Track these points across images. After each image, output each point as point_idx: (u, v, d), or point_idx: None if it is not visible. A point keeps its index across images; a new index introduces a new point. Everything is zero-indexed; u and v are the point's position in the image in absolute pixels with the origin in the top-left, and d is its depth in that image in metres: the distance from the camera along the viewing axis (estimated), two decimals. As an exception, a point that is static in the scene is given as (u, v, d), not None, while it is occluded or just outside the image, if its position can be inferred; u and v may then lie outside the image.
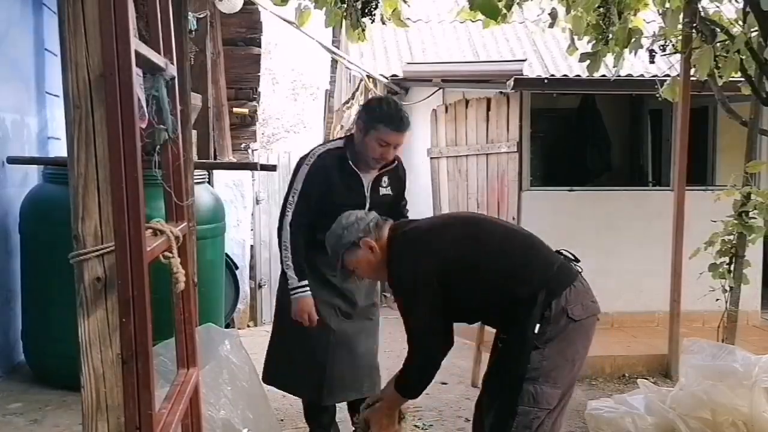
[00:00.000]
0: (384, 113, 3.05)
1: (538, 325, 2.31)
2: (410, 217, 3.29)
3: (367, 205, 3.14)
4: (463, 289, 2.44)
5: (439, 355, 2.49)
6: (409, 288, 2.46)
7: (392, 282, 2.55)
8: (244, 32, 7.36)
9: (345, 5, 4.39)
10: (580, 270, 2.50)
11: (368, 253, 2.53)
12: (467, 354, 4.60)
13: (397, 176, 3.35)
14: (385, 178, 3.26)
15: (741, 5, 4.27)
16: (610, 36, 4.63)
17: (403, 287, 2.50)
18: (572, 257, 2.54)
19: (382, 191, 3.26)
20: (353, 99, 10.44)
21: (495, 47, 8.22)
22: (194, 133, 5.09)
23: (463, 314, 2.57)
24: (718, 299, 4.19)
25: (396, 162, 3.29)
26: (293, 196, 3.13)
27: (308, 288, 3.16)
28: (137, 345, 1.41)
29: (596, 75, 5.44)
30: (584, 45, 4.97)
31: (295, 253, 3.14)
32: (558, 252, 2.54)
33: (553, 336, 2.32)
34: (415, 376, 2.51)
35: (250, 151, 8.33)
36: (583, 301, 2.40)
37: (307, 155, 3.22)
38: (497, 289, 2.43)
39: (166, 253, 1.67)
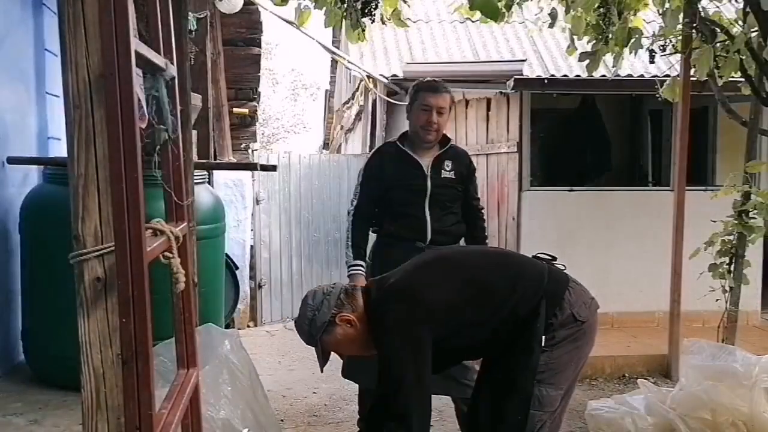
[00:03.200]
0: (422, 83, 3.39)
1: (544, 338, 2.28)
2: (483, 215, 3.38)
3: (429, 188, 3.26)
4: (467, 328, 2.31)
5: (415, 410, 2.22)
6: (396, 342, 2.23)
7: (378, 347, 2.30)
8: (244, 32, 7.35)
9: (345, 5, 4.39)
10: (564, 268, 2.48)
11: (347, 329, 2.30)
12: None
13: (458, 159, 3.41)
14: (448, 162, 3.34)
15: (741, 5, 4.27)
16: (610, 36, 4.63)
17: (389, 342, 2.25)
18: (551, 257, 2.50)
19: (444, 174, 3.34)
20: (353, 99, 10.43)
21: (495, 47, 8.22)
22: (194, 133, 5.09)
23: (471, 349, 2.43)
24: (718, 299, 4.19)
25: (450, 143, 3.41)
26: (356, 188, 3.41)
27: (362, 267, 3.29)
28: (137, 345, 1.41)
29: (596, 75, 5.45)
30: (584, 45, 4.97)
31: (355, 235, 3.35)
32: (536, 257, 2.51)
33: (561, 339, 2.30)
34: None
35: (250, 151, 8.32)
36: (584, 300, 2.40)
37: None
38: (498, 316, 2.31)
39: (166, 254, 1.67)
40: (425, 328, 2.25)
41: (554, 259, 2.50)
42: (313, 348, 2.37)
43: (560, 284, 2.38)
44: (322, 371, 2.42)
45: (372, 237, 3.48)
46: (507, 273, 2.41)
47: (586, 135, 7.79)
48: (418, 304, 2.28)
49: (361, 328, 2.31)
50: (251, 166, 6.74)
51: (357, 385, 3.49)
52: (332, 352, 2.40)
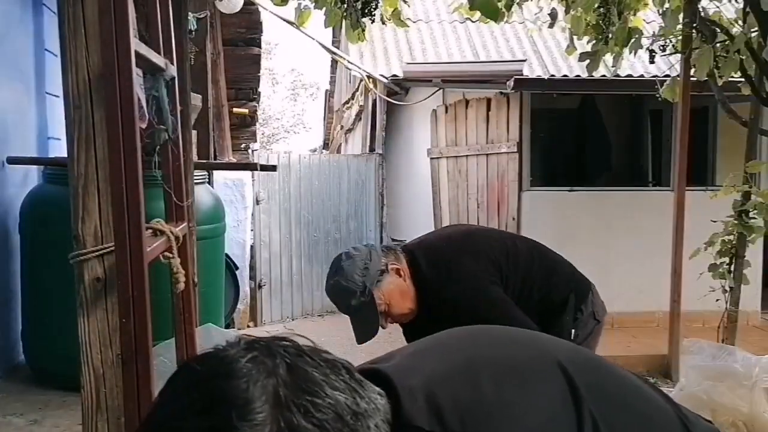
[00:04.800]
0: None
1: (573, 330, 2.30)
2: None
3: None
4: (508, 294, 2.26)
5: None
6: (483, 301, 2.13)
7: (452, 300, 2.14)
8: (244, 32, 7.35)
9: (345, 5, 4.39)
10: None
11: (398, 279, 2.16)
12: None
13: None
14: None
15: (741, 5, 4.27)
16: (610, 36, 4.63)
17: (471, 297, 2.14)
18: None
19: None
20: (353, 99, 10.44)
21: (495, 47, 8.22)
22: (194, 133, 5.09)
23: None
24: (718, 299, 4.19)
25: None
26: None
27: None
28: (137, 345, 1.41)
29: (596, 75, 5.44)
30: (583, 45, 4.97)
31: None
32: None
33: (582, 339, 2.34)
34: None
35: (250, 151, 8.32)
36: (600, 302, 2.47)
37: None
38: (533, 296, 2.29)
39: (166, 254, 1.67)
40: (495, 280, 2.18)
41: None
42: (355, 318, 2.15)
43: (586, 284, 2.43)
44: (360, 343, 2.18)
45: None
46: (544, 260, 2.41)
47: (586, 135, 7.79)
48: (481, 257, 2.21)
49: (409, 282, 2.17)
50: (251, 166, 6.74)
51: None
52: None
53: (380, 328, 2.22)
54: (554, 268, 2.40)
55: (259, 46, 7.68)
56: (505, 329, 1.15)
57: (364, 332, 2.17)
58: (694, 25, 4.39)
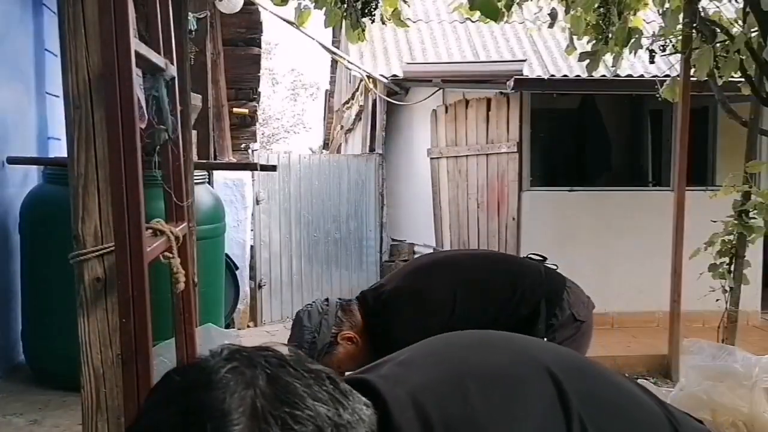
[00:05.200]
0: None
1: (545, 339, 2.26)
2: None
3: None
4: (470, 325, 2.28)
5: None
6: (416, 334, 2.19)
7: (393, 340, 2.23)
8: (244, 32, 7.35)
9: (345, 5, 4.39)
10: (555, 267, 2.46)
11: (349, 346, 2.20)
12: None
13: None
14: None
15: (741, 5, 4.27)
16: (610, 36, 4.63)
17: (408, 337, 2.20)
18: (541, 258, 2.49)
19: None
20: (353, 99, 10.44)
21: (495, 47, 8.22)
22: (194, 133, 5.08)
23: None
24: (718, 299, 4.19)
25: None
26: None
27: None
28: (137, 345, 1.41)
29: (596, 75, 5.44)
30: (583, 45, 4.97)
31: None
32: (527, 258, 2.50)
33: (562, 340, 2.28)
34: None
35: (250, 151, 8.33)
36: (582, 300, 2.39)
37: None
38: (499, 316, 2.26)
39: (166, 254, 1.67)
40: (435, 326, 2.19)
41: (545, 259, 2.49)
42: None
43: (558, 284, 2.37)
44: None
45: None
46: (504, 273, 2.38)
47: (586, 135, 7.79)
48: (424, 304, 2.23)
49: (362, 343, 2.23)
50: (251, 166, 6.74)
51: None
52: None
53: None
54: (517, 279, 2.33)
55: (259, 46, 7.68)
56: (494, 334, 1.14)
57: None
58: (694, 25, 4.39)
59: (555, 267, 2.47)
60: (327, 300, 2.29)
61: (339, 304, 2.25)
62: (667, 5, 4.46)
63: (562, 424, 0.91)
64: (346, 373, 0.96)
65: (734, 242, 4.20)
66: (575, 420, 0.91)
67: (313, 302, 2.29)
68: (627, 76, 6.34)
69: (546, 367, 0.96)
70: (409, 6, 4.88)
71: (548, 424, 0.91)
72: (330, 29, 5.32)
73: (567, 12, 4.78)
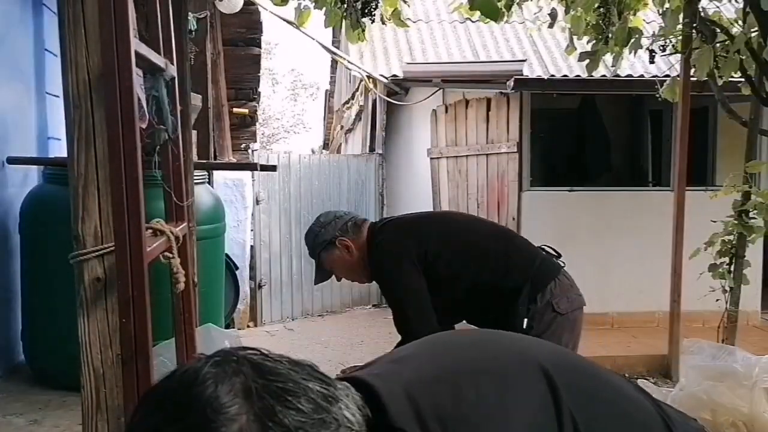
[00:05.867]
0: None
1: (526, 320, 2.30)
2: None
3: None
4: (447, 276, 2.41)
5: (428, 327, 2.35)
6: (394, 272, 2.41)
7: (375, 272, 2.50)
8: (244, 32, 7.35)
9: (345, 5, 4.39)
10: (563, 265, 2.51)
11: (344, 253, 2.50)
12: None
13: None
14: None
15: (741, 5, 4.27)
16: (610, 36, 4.63)
17: (386, 273, 2.45)
18: (555, 253, 2.55)
19: None
20: (353, 99, 10.44)
21: (495, 47, 8.22)
22: (194, 133, 5.08)
23: (447, 310, 2.49)
24: (718, 299, 4.19)
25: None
26: None
27: None
28: (137, 345, 1.41)
29: (596, 75, 5.44)
30: (583, 45, 4.97)
31: None
32: (540, 248, 2.56)
33: (539, 333, 2.31)
34: None
35: (250, 151, 8.32)
36: (568, 295, 2.42)
37: None
38: (481, 279, 2.40)
39: (166, 254, 1.67)
40: (413, 261, 2.39)
41: (559, 255, 2.53)
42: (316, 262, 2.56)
43: (549, 273, 2.43)
44: (315, 284, 2.72)
45: None
46: (500, 245, 2.50)
47: (586, 135, 7.78)
48: (415, 238, 2.43)
49: (357, 256, 2.49)
50: (251, 166, 6.74)
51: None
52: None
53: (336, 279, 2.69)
54: (514, 253, 2.47)
55: (259, 46, 7.68)
56: (488, 332, 1.16)
57: (318, 277, 2.66)
58: (694, 25, 4.39)
59: (563, 264, 2.49)
60: (349, 212, 2.64)
61: (353, 218, 2.56)
62: (667, 5, 4.46)
63: (553, 420, 0.92)
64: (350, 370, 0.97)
65: (734, 242, 4.20)
66: (566, 416, 0.92)
67: (339, 210, 2.66)
68: (627, 76, 6.34)
69: (539, 363, 0.97)
70: (409, 6, 4.88)
71: (539, 420, 0.91)
72: (330, 29, 5.32)
73: (567, 12, 4.78)
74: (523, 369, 0.97)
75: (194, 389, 0.71)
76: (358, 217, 2.58)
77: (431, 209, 7.45)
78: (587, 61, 4.86)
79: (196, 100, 5.15)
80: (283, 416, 0.70)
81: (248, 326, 7.01)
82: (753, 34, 3.96)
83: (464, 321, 2.62)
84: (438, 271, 2.40)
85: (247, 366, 0.73)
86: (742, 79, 4.27)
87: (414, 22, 8.24)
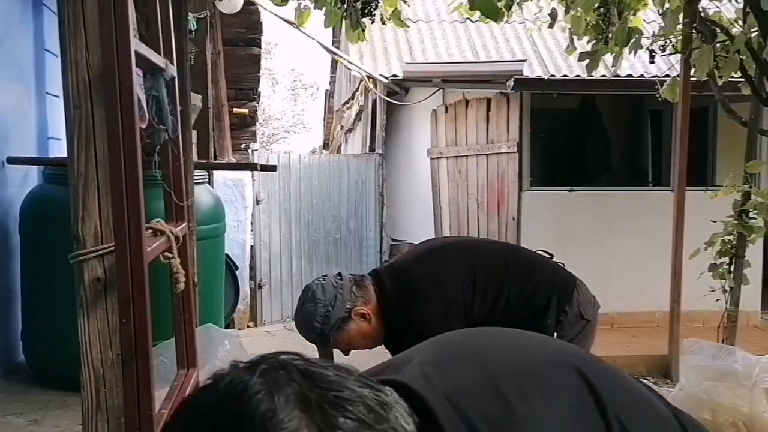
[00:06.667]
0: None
1: (555, 334, 2.25)
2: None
3: None
4: (485, 311, 2.24)
5: None
6: (437, 328, 2.18)
7: (409, 334, 2.09)
8: (244, 32, 7.35)
9: (345, 5, 4.39)
10: (563, 265, 2.48)
11: (362, 323, 2.17)
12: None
13: None
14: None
15: (741, 5, 4.27)
16: (610, 36, 4.63)
17: (429, 332, 2.18)
18: (549, 254, 2.50)
19: None
20: (353, 99, 10.44)
21: (495, 47, 8.22)
22: (194, 133, 5.08)
23: None
24: (718, 299, 4.19)
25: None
26: None
27: None
28: (137, 345, 1.41)
29: (596, 75, 5.44)
30: (583, 45, 4.97)
31: None
32: (538, 253, 2.51)
33: (570, 339, 2.29)
34: None
35: (250, 151, 8.32)
36: (589, 299, 2.40)
37: None
38: (515, 303, 2.27)
39: (166, 254, 1.67)
40: (455, 315, 2.18)
41: (552, 256, 2.50)
42: (316, 346, 2.21)
43: (569, 281, 2.38)
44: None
45: None
46: (521, 263, 2.39)
47: (586, 135, 7.78)
48: (446, 293, 2.21)
49: (375, 321, 2.19)
50: (251, 166, 6.74)
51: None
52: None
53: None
54: (532, 269, 2.34)
55: (259, 46, 7.69)
56: (515, 331, 1.14)
57: (322, 357, 2.18)
58: (694, 25, 4.39)
59: (562, 264, 2.48)
60: (340, 274, 2.26)
61: (353, 280, 2.22)
62: (667, 5, 4.46)
63: (597, 421, 0.91)
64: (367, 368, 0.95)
65: (734, 242, 4.20)
66: (612, 419, 0.91)
67: (326, 276, 2.24)
68: (627, 76, 6.34)
69: (567, 360, 0.97)
70: (409, 6, 4.88)
71: (580, 420, 0.91)
72: (330, 29, 5.32)
73: (567, 12, 4.78)
74: (555, 364, 0.97)
75: (246, 404, 0.64)
76: (355, 276, 2.27)
77: (431, 209, 7.45)
78: (587, 61, 4.86)
79: (196, 100, 5.15)
80: (345, 428, 0.64)
81: (248, 326, 7.01)
82: (753, 34, 3.96)
83: None
84: (472, 314, 2.22)
85: (296, 374, 0.67)
86: (742, 79, 4.27)
87: (414, 22, 8.24)
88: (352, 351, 2.27)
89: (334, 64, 12.27)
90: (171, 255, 1.68)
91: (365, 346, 2.25)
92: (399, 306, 2.20)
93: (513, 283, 2.27)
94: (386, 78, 7.77)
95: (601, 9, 4.58)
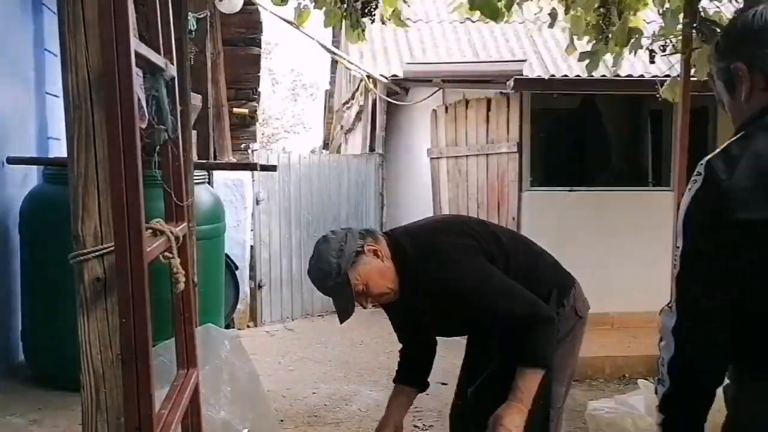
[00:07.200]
0: None
1: None
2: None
3: None
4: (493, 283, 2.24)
5: (545, 309, 2.18)
6: (478, 275, 2.17)
7: (451, 285, 2.16)
8: (244, 32, 7.35)
9: (345, 5, 4.39)
10: None
11: (375, 260, 2.19)
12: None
13: None
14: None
15: (741, 5, 4.27)
16: (610, 36, 4.63)
17: (470, 280, 2.16)
18: None
19: None
20: (353, 99, 10.43)
21: (495, 47, 8.22)
22: (194, 133, 5.09)
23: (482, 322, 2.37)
24: (718, 299, 4.18)
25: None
26: None
27: None
28: (137, 345, 1.41)
29: (596, 75, 5.44)
30: (583, 45, 4.97)
31: None
32: None
33: (564, 335, 2.31)
34: (541, 339, 2.14)
35: (250, 151, 8.32)
36: (583, 297, 2.43)
37: None
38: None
39: (166, 254, 1.67)
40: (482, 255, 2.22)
41: None
42: (333, 298, 2.22)
43: (568, 278, 2.42)
44: (342, 322, 2.21)
45: None
46: (527, 247, 2.45)
47: (586, 135, 7.78)
48: (462, 234, 2.28)
49: (388, 263, 2.21)
50: (251, 166, 6.74)
51: (356, 385, 3.51)
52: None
53: (362, 307, 2.28)
54: (537, 260, 2.40)
55: (259, 46, 7.69)
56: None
57: (343, 311, 2.20)
58: (694, 25, 4.39)
59: None
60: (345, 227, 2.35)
61: (361, 228, 2.31)
62: (667, 5, 4.46)
63: None
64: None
65: (734, 242, 4.20)
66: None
67: (332, 230, 2.31)
68: (627, 76, 6.34)
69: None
70: (409, 6, 4.88)
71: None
72: (330, 29, 5.32)
73: (567, 12, 4.78)
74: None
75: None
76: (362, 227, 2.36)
77: (431, 209, 7.45)
78: (587, 61, 4.86)
79: (196, 100, 5.15)
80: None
81: (248, 326, 7.01)
82: (753, 34, 3.96)
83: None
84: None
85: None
86: (742, 79, 4.27)
87: (414, 22, 8.24)
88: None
89: (334, 64, 12.27)
90: (171, 255, 1.67)
91: (383, 287, 2.22)
92: (419, 257, 2.21)
93: (520, 270, 2.29)
94: (386, 78, 7.77)
95: (601, 9, 4.58)
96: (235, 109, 7.74)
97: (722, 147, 1.39)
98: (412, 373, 2.51)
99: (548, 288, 2.30)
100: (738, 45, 1.43)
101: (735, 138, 1.40)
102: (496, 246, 2.30)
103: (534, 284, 2.26)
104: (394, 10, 4.60)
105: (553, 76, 6.66)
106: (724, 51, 1.48)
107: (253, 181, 7.10)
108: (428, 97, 7.37)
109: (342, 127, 12.37)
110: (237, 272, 6.10)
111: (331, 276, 2.16)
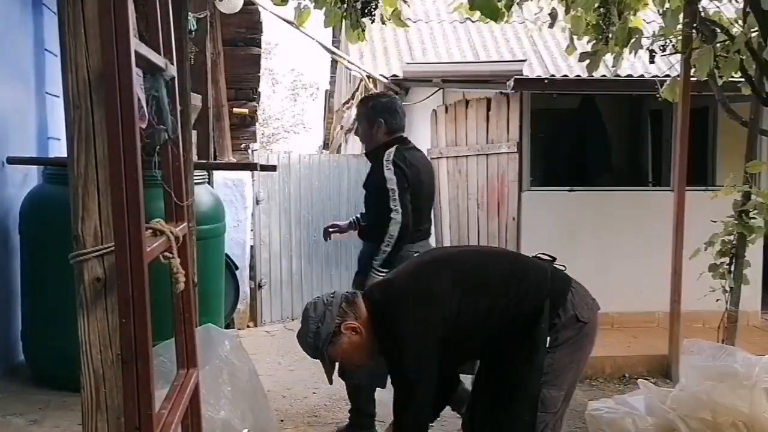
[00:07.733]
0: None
1: (548, 338, 2.28)
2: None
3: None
4: (473, 326, 2.31)
5: (429, 410, 2.36)
6: (414, 344, 2.25)
7: (390, 345, 2.29)
8: (244, 32, 7.36)
9: (345, 5, 4.39)
10: (564, 268, 2.49)
11: (353, 337, 2.30)
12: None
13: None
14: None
15: (741, 5, 4.28)
16: (610, 36, 4.63)
17: (407, 345, 2.26)
18: (551, 258, 2.52)
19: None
20: (353, 99, 10.43)
21: (495, 47, 8.22)
22: (194, 133, 5.09)
23: (471, 351, 2.45)
24: (718, 299, 4.19)
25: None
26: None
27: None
28: (137, 345, 1.41)
29: (596, 75, 5.44)
30: (583, 45, 4.97)
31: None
32: (536, 257, 2.52)
33: (564, 341, 2.31)
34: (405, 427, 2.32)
35: (250, 151, 8.32)
36: (586, 301, 2.40)
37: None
38: (505, 314, 2.31)
39: (166, 254, 1.67)
40: (439, 327, 2.28)
41: (554, 260, 2.51)
42: (319, 361, 2.37)
43: (563, 285, 2.39)
44: (331, 383, 2.43)
45: None
46: (508, 271, 2.42)
47: (586, 135, 7.78)
48: (430, 300, 2.30)
49: (366, 334, 2.31)
50: (251, 166, 6.74)
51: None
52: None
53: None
54: (524, 274, 2.39)
55: (259, 46, 7.69)
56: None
57: (330, 373, 2.42)
58: (694, 25, 4.39)
59: (563, 267, 2.49)
60: (333, 293, 2.41)
61: (344, 297, 2.36)
62: (667, 5, 4.46)
63: None
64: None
65: (734, 242, 4.20)
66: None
67: (320, 295, 2.42)
68: (627, 76, 6.34)
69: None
70: (409, 6, 4.89)
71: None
72: (330, 29, 5.32)
73: (567, 12, 4.78)
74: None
75: None
76: (348, 294, 2.39)
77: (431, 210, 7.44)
78: (587, 61, 4.86)
79: (196, 100, 5.16)
80: None
81: (248, 326, 7.01)
82: (753, 34, 3.97)
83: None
84: (461, 327, 2.31)
85: None
86: (742, 79, 4.28)
87: (414, 22, 8.25)
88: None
89: (334, 64, 12.27)
90: (171, 255, 1.67)
91: (361, 359, 2.39)
92: (383, 315, 2.33)
93: (499, 292, 2.34)
94: (386, 78, 7.77)
95: (601, 9, 4.58)
96: (235, 109, 7.75)
97: None
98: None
99: (539, 302, 2.31)
100: None
101: None
102: (471, 287, 2.36)
103: (520, 304, 2.33)
104: (394, 10, 4.60)
105: (553, 76, 6.66)
106: None
107: (253, 181, 7.10)
108: (428, 97, 7.37)
109: (342, 127, 12.37)
110: (237, 272, 6.09)
111: (311, 351, 2.36)
